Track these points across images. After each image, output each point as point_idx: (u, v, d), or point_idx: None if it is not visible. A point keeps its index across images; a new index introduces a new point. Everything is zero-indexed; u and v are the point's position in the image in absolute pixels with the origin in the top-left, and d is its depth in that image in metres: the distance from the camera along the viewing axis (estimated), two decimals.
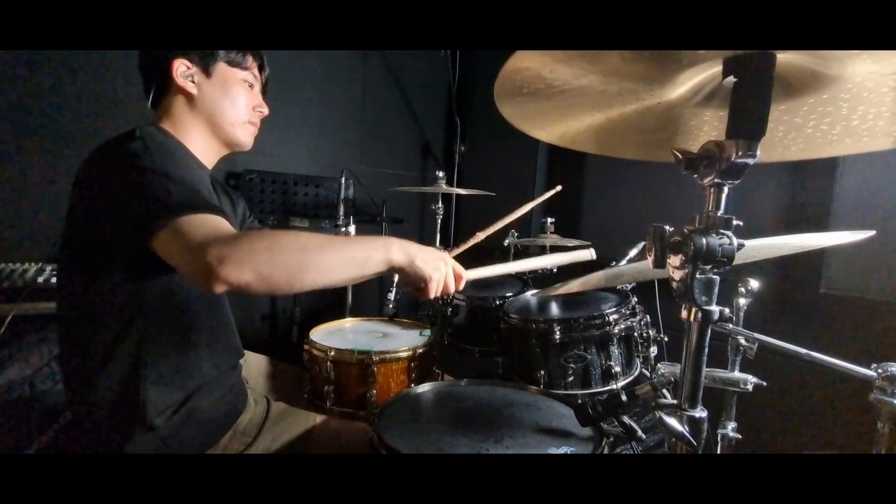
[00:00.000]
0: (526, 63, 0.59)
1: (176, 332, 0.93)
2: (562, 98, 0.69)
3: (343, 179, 2.00)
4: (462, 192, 2.00)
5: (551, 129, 0.79)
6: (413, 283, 0.88)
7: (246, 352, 1.20)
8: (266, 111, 1.11)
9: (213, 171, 1.08)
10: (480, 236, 1.07)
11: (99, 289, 0.87)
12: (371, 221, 2.35)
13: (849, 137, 0.70)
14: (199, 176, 0.87)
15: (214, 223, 0.75)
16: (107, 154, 0.87)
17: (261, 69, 1.10)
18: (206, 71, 1.00)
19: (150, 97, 1.00)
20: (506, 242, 1.85)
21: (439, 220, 2.04)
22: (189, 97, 0.99)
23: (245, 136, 1.07)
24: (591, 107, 0.72)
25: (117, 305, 0.87)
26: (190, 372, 0.94)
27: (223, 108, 1.02)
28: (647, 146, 0.84)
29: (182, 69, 0.97)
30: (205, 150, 1.03)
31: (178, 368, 0.92)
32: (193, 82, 0.99)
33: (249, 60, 1.05)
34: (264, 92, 1.13)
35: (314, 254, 0.75)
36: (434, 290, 0.88)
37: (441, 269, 0.87)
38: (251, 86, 1.07)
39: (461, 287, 0.94)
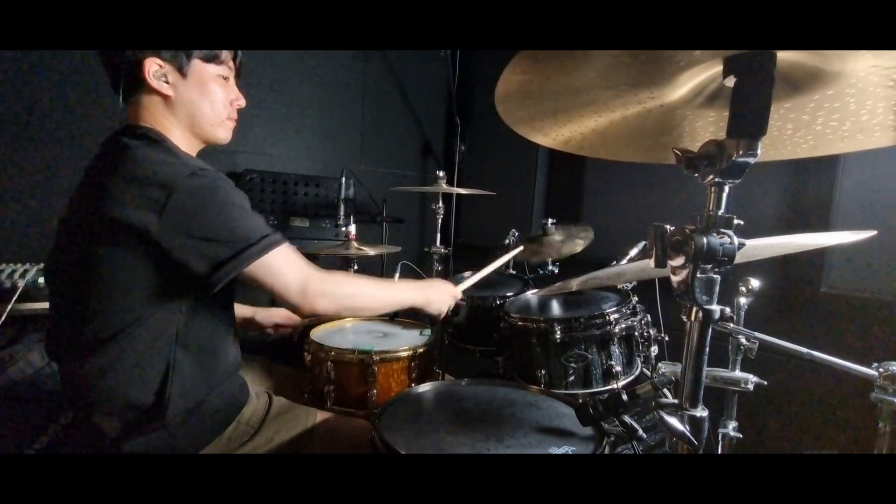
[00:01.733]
0: (525, 67, 0.59)
1: (201, 339, 0.96)
2: (562, 102, 0.69)
3: (343, 179, 2.00)
4: (462, 191, 2.00)
5: (553, 134, 0.79)
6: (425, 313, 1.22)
7: (245, 353, 1.21)
8: (243, 103, 1.08)
9: None
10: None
11: (129, 303, 0.88)
12: (371, 221, 2.34)
13: (860, 133, 0.69)
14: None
15: (297, 257, 0.96)
16: (147, 172, 0.85)
17: (234, 57, 1.06)
18: (181, 71, 0.97)
19: (121, 93, 0.97)
20: (506, 242, 1.84)
21: (439, 220, 2.04)
22: (165, 98, 0.97)
23: (225, 133, 1.07)
24: (593, 110, 0.72)
25: (150, 317, 0.89)
26: (210, 375, 0.97)
27: (203, 111, 1.01)
28: (650, 149, 0.84)
29: (154, 69, 0.94)
30: (187, 147, 1.02)
31: (202, 373, 0.96)
32: (168, 83, 0.96)
33: (223, 53, 1.02)
34: (238, 76, 1.10)
35: (374, 301, 1.12)
36: (443, 311, 1.24)
37: (449, 304, 1.25)
38: (226, 79, 1.04)
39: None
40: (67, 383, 0.98)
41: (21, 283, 1.40)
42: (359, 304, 1.09)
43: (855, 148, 0.72)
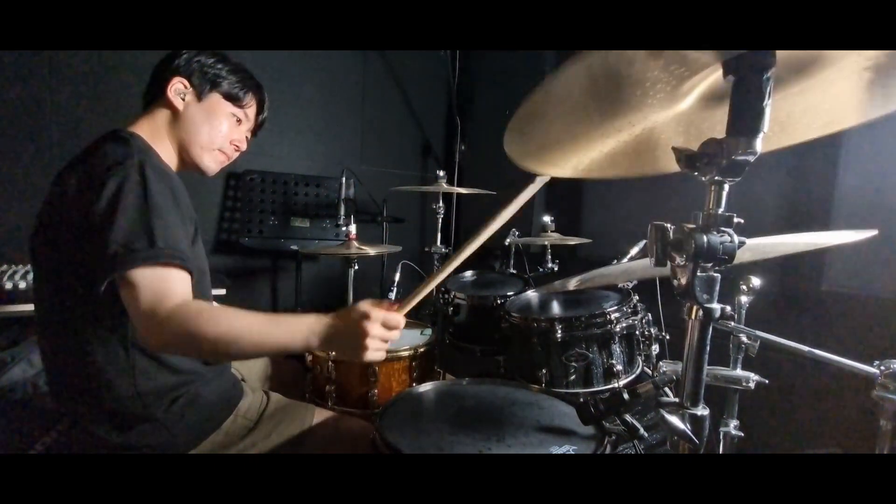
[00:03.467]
0: (529, 113, 0.59)
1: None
2: (569, 129, 0.69)
3: (343, 179, 2.00)
4: (463, 191, 2.00)
5: (561, 164, 0.79)
6: None
7: None
8: (244, 148, 1.12)
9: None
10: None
11: (75, 290, 0.87)
12: (372, 221, 2.35)
13: (877, 98, 0.65)
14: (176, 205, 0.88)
15: (163, 284, 0.80)
16: (92, 166, 0.86)
17: (259, 111, 1.11)
18: (199, 96, 1.02)
19: (145, 102, 1.03)
20: (506, 242, 1.85)
21: (440, 220, 2.04)
22: (174, 112, 1.01)
23: (210, 162, 1.07)
24: (601, 134, 0.72)
25: (95, 307, 0.87)
26: (172, 366, 0.95)
27: (200, 131, 1.03)
28: (666, 160, 0.82)
29: (178, 87, 1.00)
30: (170, 160, 1.03)
31: (161, 362, 0.94)
32: (183, 100, 1.01)
33: (248, 98, 1.07)
34: (255, 133, 1.15)
35: (230, 346, 0.81)
36: (370, 356, 0.83)
37: (366, 345, 0.82)
38: (239, 121, 1.08)
39: (402, 326, 0.88)
40: (53, 386, 0.98)
41: (22, 285, 1.40)
42: (215, 350, 0.83)
43: (873, 115, 0.68)
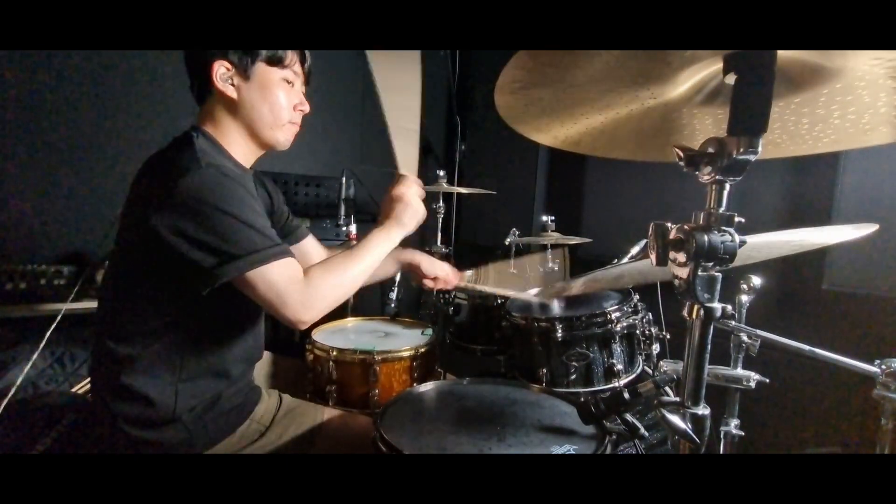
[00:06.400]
0: (525, 64, 0.59)
1: (214, 336, 0.98)
2: (562, 100, 0.69)
3: (344, 179, 2.00)
4: (463, 190, 2.00)
5: (553, 133, 0.79)
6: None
7: None
8: (307, 108, 1.09)
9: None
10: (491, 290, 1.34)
11: (144, 291, 0.92)
12: (372, 221, 2.33)
13: (883, 126, 0.67)
14: (253, 205, 0.91)
15: (286, 271, 0.89)
16: (166, 172, 0.87)
17: (302, 62, 1.06)
18: (245, 73, 0.98)
19: (196, 96, 1.02)
20: (507, 241, 1.84)
21: (440, 219, 2.04)
22: (230, 101, 0.99)
23: (284, 136, 1.07)
24: (593, 109, 0.72)
25: (161, 308, 0.92)
26: (221, 373, 0.99)
27: (262, 113, 1.01)
28: (652, 147, 0.83)
29: (222, 71, 0.96)
30: (244, 152, 1.04)
31: (211, 370, 0.97)
32: (233, 85, 0.98)
33: (289, 56, 1.02)
34: (307, 83, 1.11)
35: (360, 275, 0.99)
36: (421, 209, 1.19)
37: (416, 206, 1.19)
38: (291, 83, 1.04)
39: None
40: (92, 379, 1.01)
41: (23, 285, 1.41)
42: (350, 288, 0.97)
43: (882, 141, 0.69)
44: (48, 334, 1.28)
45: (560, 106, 0.71)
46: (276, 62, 1.00)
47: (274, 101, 1.01)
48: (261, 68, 0.99)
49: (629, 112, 0.72)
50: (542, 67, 0.60)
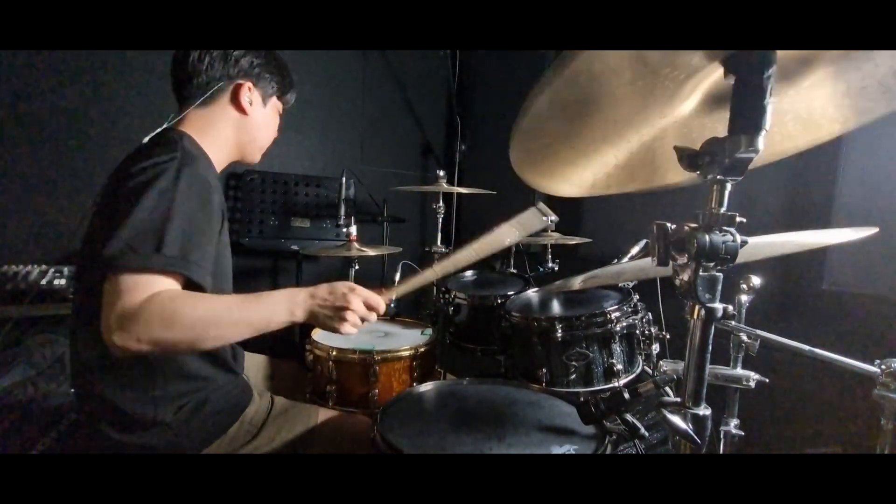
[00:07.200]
0: (534, 123, 0.59)
1: None
2: (577, 146, 0.69)
3: (344, 179, 2.00)
4: (463, 190, 2.00)
5: (577, 180, 0.79)
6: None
7: (246, 352, 1.22)
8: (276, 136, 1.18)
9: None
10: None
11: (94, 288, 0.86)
12: (372, 221, 2.35)
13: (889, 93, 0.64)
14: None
15: (148, 289, 0.75)
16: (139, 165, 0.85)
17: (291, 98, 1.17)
18: (264, 101, 1.08)
19: (196, 96, 1.00)
20: (507, 241, 1.84)
21: (440, 220, 2.04)
22: (239, 116, 1.04)
23: (259, 156, 1.15)
24: (608, 146, 0.71)
25: None
26: (194, 376, 0.97)
27: (262, 135, 1.10)
28: (664, 171, 0.81)
29: (246, 92, 1.03)
30: (221, 157, 1.06)
31: (181, 372, 0.95)
32: (250, 104, 1.05)
33: (291, 94, 1.15)
34: (282, 116, 1.20)
35: (210, 328, 0.79)
36: (347, 329, 0.87)
37: (346, 317, 0.86)
38: (280, 115, 1.16)
39: (382, 311, 0.92)
40: (75, 385, 0.99)
41: (23, 286, 1.40)
42: (192, 337, 0.78)
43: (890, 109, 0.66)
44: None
45: (575, 153, 0.72)
46: (283, 97, 1.12)
47: (272, 127, 1.13)
48: (274, 100, 1.11)
49: (640, 140, 0.72)
50: (556, 113, 0.61)
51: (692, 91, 0.64)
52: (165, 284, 0.78)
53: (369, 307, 0.89)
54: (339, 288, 0.87)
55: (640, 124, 0.68)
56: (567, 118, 0.63)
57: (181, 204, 0.81)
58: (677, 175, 0.80)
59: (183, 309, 0.76)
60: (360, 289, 0.88)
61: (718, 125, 0.73)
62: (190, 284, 0.81)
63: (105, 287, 0.76)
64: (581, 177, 0.78)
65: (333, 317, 0.86)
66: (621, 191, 0.82)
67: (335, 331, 0.87)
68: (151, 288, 0.76)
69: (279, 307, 0.84)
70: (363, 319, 0.88)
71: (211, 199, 0.89)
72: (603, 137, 0.69)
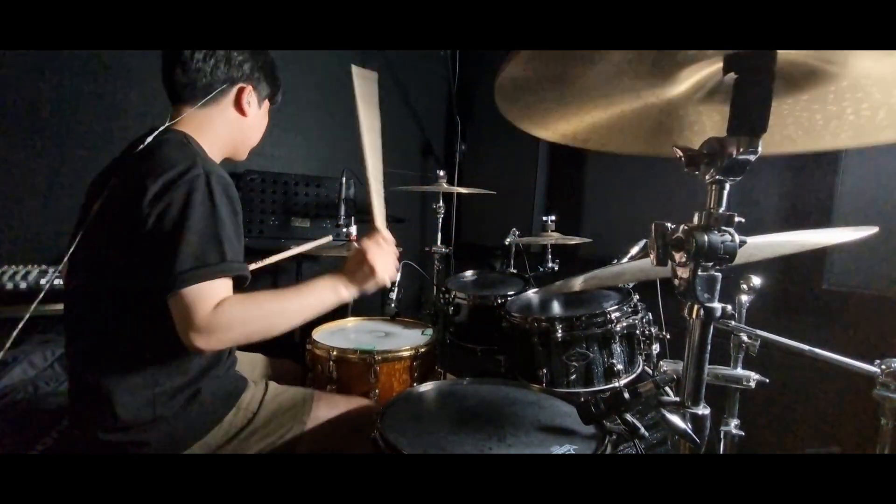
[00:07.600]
0: (527, 60, 0.59)
1: (171, 337, 0.92)
2: (563, 96, 0.69)
3: (344, 179, 2.00)
4: (463, 190, 2.01)
5: (553, 128, 0.79)
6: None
7: (245, 351, 1.22)
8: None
9: None
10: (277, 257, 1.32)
11: (106, 293, 0.91)
12: (372, 221, 2.34)
13: None
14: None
15: (216, 293, 0.85)
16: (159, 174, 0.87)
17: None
18: (259, 104, 1.11)
19: (196, 97, 1.01)
20: (507, 241, 1.85)
21: (440, 219, 2.04)
22: (242, 117, 1.08)
23: (246, 154, 1.19)
24: (593, 105, 0.72)
25: (127, 310, 0.91)
26: (192, 366, 0.97)
27: (254, 136, 1.15)
28: (651, 143, 0.83)
29: (247, 95, 1.07)
30: (214, 156, 1.06)
31: (182, 366, 0.96)
32: (248, 106, 1.08)
33: (279, 95, 1.18)
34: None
35: (278, 319, 0.92)
36: (386, 273, 1.01)
37: (376, 266, 1.00)
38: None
39: (389, 238, 1.06)
40: (71, 384, 1.00)
41: (23, 285, 1.41)
42: (264, 329, 0.90)
43: None
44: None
45: (559, 102, 0.71)
46: (273, 97, 1.16)
47: (263, 128, 1.17)
48: (266, 103, 1.15)
49: (632, 109, 0.72)
50: (542, 62, 0.60)
51: (689, 77, 0.64)
52: (226, 285, 0.87)
53: (379, 244, 1.02)
54: (356, 256, 1.01)
55: (633, 97, 0.69)
56: (561, 68, 0.62)
57: (220, 210, 0.88)
58: (659, 149, 0.82)
59: (252, 309, 0.89)
60: (366, 241, 1.02)
61: (713, 114, 0.73)
62: (237, 279, 0.90)
63: (176, 300, 0.83)
64: (557, 126, 0.78)
65: (369, 274, 0.99)
66: (606, 150, 0.84)
67: (384, 283, 1.02)
68: (220, 293, 0.85)
69: (326, 292, 0.97)
70: (388, 258, 1.02)
71: (235, 196, 0.95)
72: (590, 97, 0.69)
